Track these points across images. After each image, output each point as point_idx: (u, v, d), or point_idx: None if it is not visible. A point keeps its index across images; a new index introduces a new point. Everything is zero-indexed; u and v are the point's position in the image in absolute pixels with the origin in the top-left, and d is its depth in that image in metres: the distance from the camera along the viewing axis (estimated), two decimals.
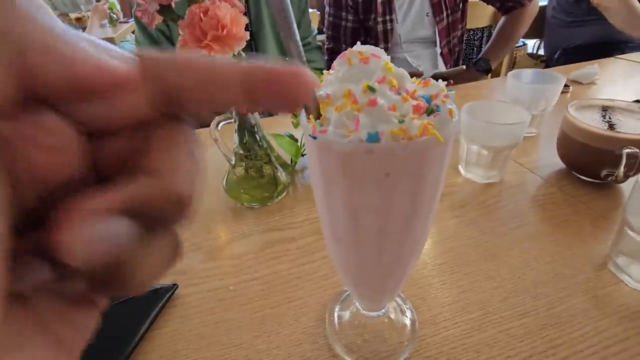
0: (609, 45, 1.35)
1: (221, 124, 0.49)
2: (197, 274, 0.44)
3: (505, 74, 1.63)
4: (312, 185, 0.26)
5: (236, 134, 0.51)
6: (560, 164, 0.59)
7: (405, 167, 0.20)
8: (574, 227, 0.48)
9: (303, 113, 0.23)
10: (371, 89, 0.20)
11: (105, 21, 2.06)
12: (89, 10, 1.96)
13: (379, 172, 0.20)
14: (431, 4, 1.14)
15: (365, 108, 0.19)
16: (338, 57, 0.22)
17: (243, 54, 0.42)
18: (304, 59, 0.17)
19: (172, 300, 0.41)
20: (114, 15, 2.11)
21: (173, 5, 0.40)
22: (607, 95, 0.86)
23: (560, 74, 0.67)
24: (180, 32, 0.40)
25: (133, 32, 2.36)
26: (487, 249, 0.45)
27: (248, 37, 0.40)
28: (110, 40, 1.89)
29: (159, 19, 0.41)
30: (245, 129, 0.51)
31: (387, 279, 0.28)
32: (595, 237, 0.46)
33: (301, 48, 0.17)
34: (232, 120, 0.49)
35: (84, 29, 1.86)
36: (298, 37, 0.16)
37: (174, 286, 0.41)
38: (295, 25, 0.16)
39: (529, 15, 1.21)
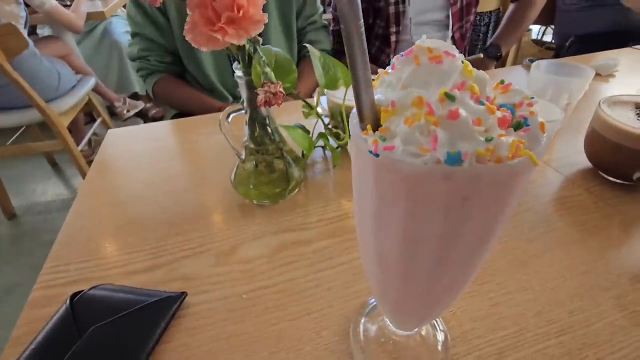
0: (624, 33, 1.31)
1: (231, 116, 0.44)
2: (205, 280, 0.41)
3: (513, 62, 1.59)
4: (355, 203, 0.22)
5: (246, 126, 0.47)
6: (585, 163, 0.56)
7: (488, 193, 0.16)
8: (605, 234, 0.45)
9: (354, 119, 0.19)
10: (450, 97, 0.16)
11: None
12: None
13: (455, 199, 0.16)
14: None
15: (443, 121, 0.15)
16: (401, 53, 0.18)
17: (260, 40, 0.38)
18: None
19: (180, 310, 0.37)
20: None
21: None
22: (630, 88, 0.83)
23: (587, 67, 0.63)
24: (189, 12, 0.35)
25: (124, 7, 2.24)
26: (517, 256, 0.42)
27: (266, 19, 0.35)
28: (100, 14, 1.78)
29: None
30: (257, 121, 0.47)
31: (434, 308, 0.25)
32: (628, 244, 0.44)
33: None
34: (243, 111, 0.45)
35: (72, 0, 1.74)
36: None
37: (183, 294, 0.38)
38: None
39: None
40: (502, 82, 0.18)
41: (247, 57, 0.40)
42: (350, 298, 0.38)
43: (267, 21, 0.35)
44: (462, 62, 0.17)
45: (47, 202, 1.80)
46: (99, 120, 1.91)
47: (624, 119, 0.50)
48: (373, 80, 0.19)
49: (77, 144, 1.66)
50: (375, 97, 0.18)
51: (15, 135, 1.86)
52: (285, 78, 0.43)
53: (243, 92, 0.44)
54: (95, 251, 0.46)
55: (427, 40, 0.18)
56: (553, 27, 1.59)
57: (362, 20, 0.15)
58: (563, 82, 0.62)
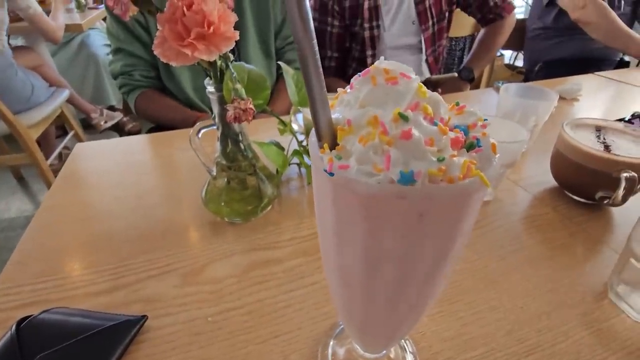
0: (587, 60, 1.40)
1: (202, 131, 0.44)
2: (170, 302, 0.39)
3: (487, 85, 1.66)
4: (318, 221, 0.22)
5: (218, 142, 0.46)
6: (552, 182, 0.58)
7: (442, 212, 0.16)
8: (571, 252, 0.46)
9: (312, 137, 0.19)
10: (404, 118, 0.16)
11: (72, 5, 1.91)
12: None
13: (411, 217, 0.16)
14: (417, 12, 1.13)
15: (397, 141, 0.15)
16: (359, 74, 0.18)
17: (231, 56, 0.37)
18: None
19: (140, 335, 0.35)
20: (83, 1, 1.96)
21: None
22: (592, 111, 0.87)
23: (552, 91, 0.66)
24: (159, 27, 0.34)
25: (104, 20, 2.22)
26: (487, 275, 0.43)
27: (237, 37, 0.35)
28: (78, 27, 1.76)
29: (133, 11, 0.35)
30: (229, 137, 0.46)
31: (399, 327, 0.24)
32: (593, 262, 0.45)
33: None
34: (215, 126, 0.44)
35: (48, 12, 1.71)
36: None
37: (143, 318, 0.36)
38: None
39: (509, 25, 1.24)
40: (457, 104, 0.19)
41: (218, 73, 0.40)
42: (320, 319, 0.37)
43: (238, 38, 0.36)
44: (417, 84, 0.17)
45: (10, 219, 1.71)
46: (71, 134, 1.85)
47: (585, 141, 0.52)
48: (333, 99, 0.19)
49: (47, 157, 1.60)
50: (334, 115, 0.18)
51: None
52: (258, 95, 0.43)
53: (215, 108, 0.43)
54: (53, 271, 0.43)
55: (385, 61, 0.18)
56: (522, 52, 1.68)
57: (316, 42, 0.15)
58: (530, 105, 0.65)
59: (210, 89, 0.41)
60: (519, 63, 2.28)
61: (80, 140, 1.88)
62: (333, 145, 0.18)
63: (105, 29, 1.01)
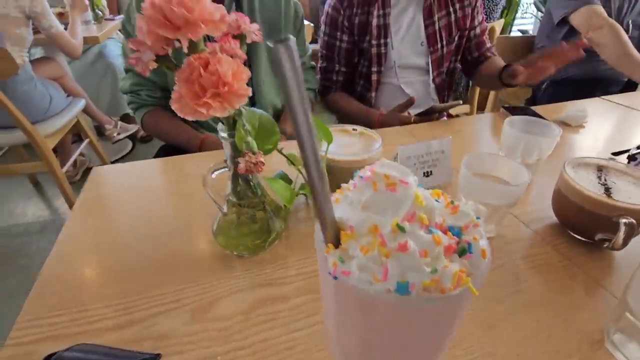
0: (594, 80, 1.40)
1: (215, 173, 0.46)
2: (181, 340, 0.41)
3: (493, 104, 1.66)
4: (322, 299, 0.23)
5: (230, 181, 0.48)
6: (553, 218, 0.59)
7: (434, 316, 0.18)
8: (569, 295, 0.47)
9: (318, 232, 0.20)
10: (401, 229, 0.18)
11: (90, 17, 1.96)
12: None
13: (403, 319, 0.18)
14: (427, 34, 1.14)
15: (394, 253, 0.17)
16: (362, 178, 0.20)
17: (244, 110, 0.40)
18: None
19: None
20: (99, 12, 2.02)
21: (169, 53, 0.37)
22: (595, 140, 0.88)
23: (556, 126, 0.68)
24: (177, 83, 0.37)
25: (120, 31, 2.27)
26: (485, 319, 0.44)
27: (250, 93, 0.37)
28: (95, 39, 1.81)
29: (153, 66, 0.38)
30: (239, 177, 0.48)
31: None
32: (591, 307, 0.46)
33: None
34: (227, 168, 0.47)
35: (66, 25, 1.76)
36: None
37: (157, 357, 0.38)
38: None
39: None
40: (452, 202, 0.20)
41: (231, 120, 0.42)
42: None
43: (250, 94, 0.38)
44: (414, 192, 0.19)
45: (27, 224, 1.75)
46: (86, 141, 1.90)
47: (586, 182, 0.53)
48: (336, 192, 0.21)
49: (63, 164, 1.65)
50: (337, 214, 0.20)
51: None
52: (267, 139, 0.45)
53: (227, 150, 0.45)
54: (69, 304, 0.45)
55: (386, 164, 0.20)
56: None
57: (324, 166, 0.17)
58: (533, 140, 0.66)
59: (223, 134, 0.43)
60: None
61: (95, 148, 1.93)
62: (336, 243, 0.19)
63: (121, 50, 1.05)
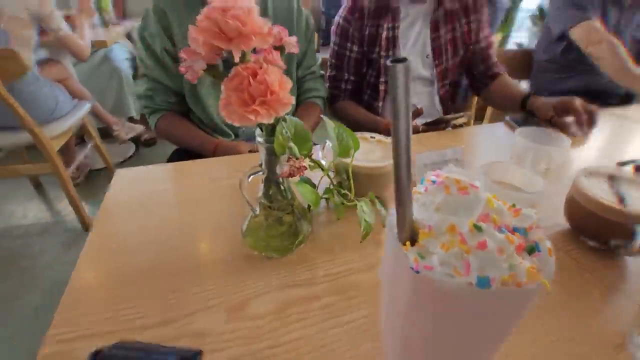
0: (594, 92, 1.44)
1: (252, 177, 0.48)
2: (219, 337, 0.42)
3: (492, 114, 1.70)
4: (384, 298, 0.25)
5: (262, 184, 0.50)
6: (564, 224, 0.62)
7: (508, 310, 0.20)
8: (586, 300, 0.49)
9: (391, 229, 0.22)
10: (478, 228, 0.19)
11: (97, 22, 1.97)
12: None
13: (476, 313, 0.20)
14: (432, 47, 1.17)
15: (474, 250, 0.19)
16: (434, 182, 0.22)
17: (287, 118, 0.41)
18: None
19: None
20: (106, 16, 2.03)
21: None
22: (599, 150, 0.91)
23: (565, 137, 0.71)
24: (224, 91, 0.39)
25: (127, 36, 2.29)
26: None
27: (294, 102, 0.39)
28: (102, 43, 1.82)
29: (201, 74, 0.40)
30: (272, 181, 0.50)
31: None
32: (609, 311, 0.48)
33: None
34: (261, 172, 0.48)
35: (72, 29, 1.77)
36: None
37: (199, 353, 0.39)
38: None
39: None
40: (513, 205, 0.22)
41: (269, 127, 0.44)
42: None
43: (294, 103, 0.40)
44: (487, 196, 0.21)
45: (27, 226, 1.74)
46: (91, 144, 1.90)
47: (600, 191, 0.56)
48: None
49: (67, 166, 1.64)
50: (414, 216, 0.22)
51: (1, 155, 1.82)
52: (302, 146, 0.47)
53: (262, 155, 0.47)
54: (105, 303, 0.46)
55: (455, 171, 0.22)
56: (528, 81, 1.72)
57: (415, 179, 0.19)
58: (541, 150, 0.69)
59: (260, 139, 0.45)
60: None
61: (100, 151, 1.93)
62: (412, 241, 0.21)
63: (137, 58, 1.06)
